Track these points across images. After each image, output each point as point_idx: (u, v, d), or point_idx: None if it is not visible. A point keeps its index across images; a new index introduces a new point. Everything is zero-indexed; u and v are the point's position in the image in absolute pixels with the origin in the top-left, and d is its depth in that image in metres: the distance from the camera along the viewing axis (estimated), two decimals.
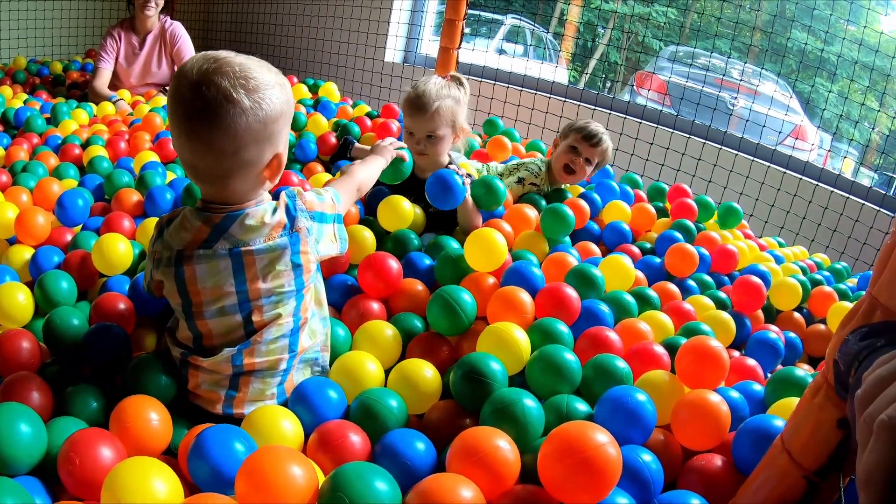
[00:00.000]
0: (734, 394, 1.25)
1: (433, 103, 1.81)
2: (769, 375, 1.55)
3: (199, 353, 1.20)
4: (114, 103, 3.36)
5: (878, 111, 3.09)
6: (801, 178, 3.03)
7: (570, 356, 1.25)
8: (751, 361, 1.44)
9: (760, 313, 1.85)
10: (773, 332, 1.64)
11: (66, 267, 1.67)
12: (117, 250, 1.63)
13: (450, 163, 1.94)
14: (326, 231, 1.26)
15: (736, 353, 1.62)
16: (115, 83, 3.73)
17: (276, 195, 1.23)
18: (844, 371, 0.74)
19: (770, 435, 1.00)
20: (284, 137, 1.14)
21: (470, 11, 3.16)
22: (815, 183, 3.01)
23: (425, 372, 1.25)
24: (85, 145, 2.56)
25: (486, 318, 1.47)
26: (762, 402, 1.31)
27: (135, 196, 2.02)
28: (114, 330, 1.31)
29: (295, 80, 3.78)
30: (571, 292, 1.45)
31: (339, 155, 2.59)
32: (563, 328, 1.37)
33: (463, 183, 1.73)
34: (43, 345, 1.36)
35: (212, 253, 1.14)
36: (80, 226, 1.94)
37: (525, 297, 1.42)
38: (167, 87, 3.58)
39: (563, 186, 2.24)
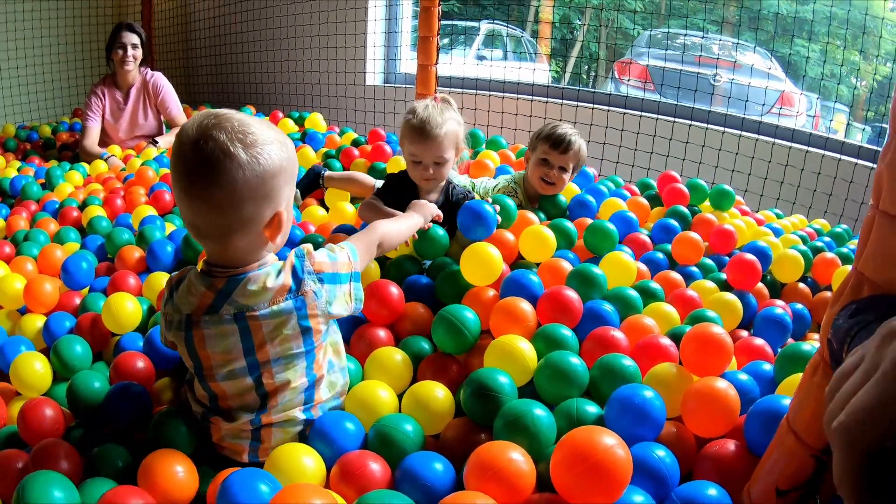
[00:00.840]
0: (743, 376, 1.26)
1: (441, 129, 1.80)
2: (779, 351, 1.57)
3: (217, 413, 1.21)
4: (105, 160, 3.39)
5: (859, 68, 3.10)
6: (790, 146, 3.04)
7: (575, 360, 1.27)
8: (758, 341, 1.45)
9: (765, 289, 1.86)
10: (779, 308, 1.65)
11: (78, 330, 1.70)
12: (126, 309, 1.67)
13: (449, 183, 1.96)
14: (340, 291, 1.22)
15: (744, 334, 1.63)
16: (105, 139, 3.78)
17: (284, 254, 1.22)
18: (837, 349, 0.74)
19: (779, 415, 1.01)
20: (286, 196, 1.12)
21: (444, 22, 3.18)
22: (806, 149, 3.02)
23: (437, 393, 1.27)
24: (82, 206, 2.59)
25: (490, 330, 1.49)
26: (772, 381, 1.32)
27: (136, 252, 2.04)
28: (133, 389, 1.33)
29: (280, 115, 3.81)
30: (572, 294, 1.47)
31: (310, 186, 2.57)
32: (566, 332, 1.39)
33: (494, 211, 1.73)
34: (65, 409, 1.38)
35: (218, 318, 1.14)
36: (87, 288, 1.96)
37: (525, 306, 1.44)
38: (156, 139, 3.65)
39: (555, 195, 2.21)
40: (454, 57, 4.22)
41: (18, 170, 3.27)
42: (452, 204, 1.93)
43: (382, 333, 1.51)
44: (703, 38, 3.92)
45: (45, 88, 5.20)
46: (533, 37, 7.28)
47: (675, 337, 1.39)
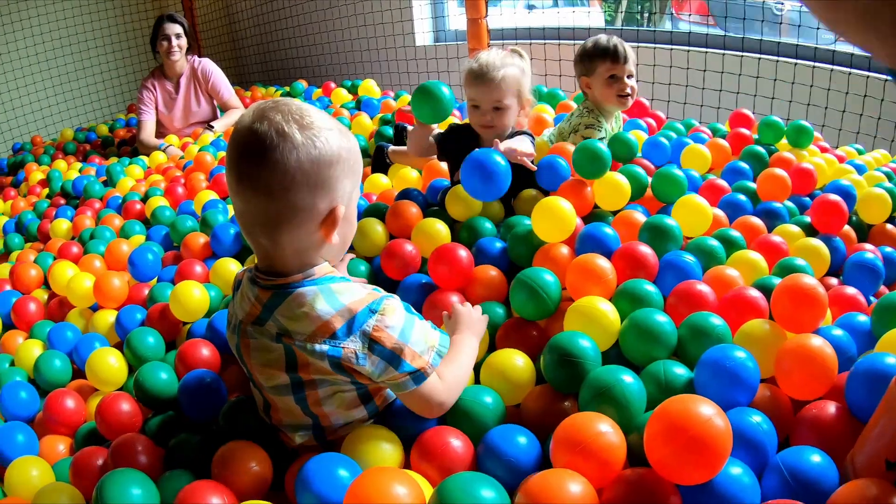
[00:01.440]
0: (837, 331, 1.16)
1: (499, 72, 1.74)
2: (873, 299, 1.45)
3: (270, 420, 1.16)
4: (163, 151, 3.44)
5: None
6: (868, 76, 2.81)
7: (662, 318, 1.19)
8: (850, 290, 1.35)
9: (852, 232, 1.73)
10: (869, 252, 1.53)
11: (149, 322, 1.72)
12: (193, 297, 1.68)
13: (515, 133, 1.86)
14: (389, 374, 1.03)
15: (834, 281, 1.52)
16: (162, 130, 3.83)
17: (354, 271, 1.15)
18: None
19: (884, 375, 0.92)
20: (346, 190, 1.02)
21: None
22: (886, 77, 2.79)
23: (517, 361, 1.22)
24: (145, 198, 2.62)
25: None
26: (869, 334, 1.22)
27: (201, 238, 2.05)
28: (205, 380, 1.32)
29: (333, 85, 3.78)
30: (646, 249, 1.38)
31: (379, 167, 2.51)
32: (649, 288, 1.31)
33: (509, 161, 1.62)
34: None
35: (264, 331, 1.04)
36: (155, 279, 1.98)
37: (603, 262, 1.36)
38: (212, 123, 3.67)
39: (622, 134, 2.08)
40: (503, 8, 4.06)
41: (80, 171, 3.34)
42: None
43: (455, 298, 1.44)
44: None
45: (97, 89, 5.28)
46: None
47: (764, 288, 1.30)
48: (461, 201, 1.71)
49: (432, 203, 1.90)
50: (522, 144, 1.69)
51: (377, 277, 1.66)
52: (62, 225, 2.55)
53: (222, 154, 3.02)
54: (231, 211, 2.25)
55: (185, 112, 3.84)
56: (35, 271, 2.12)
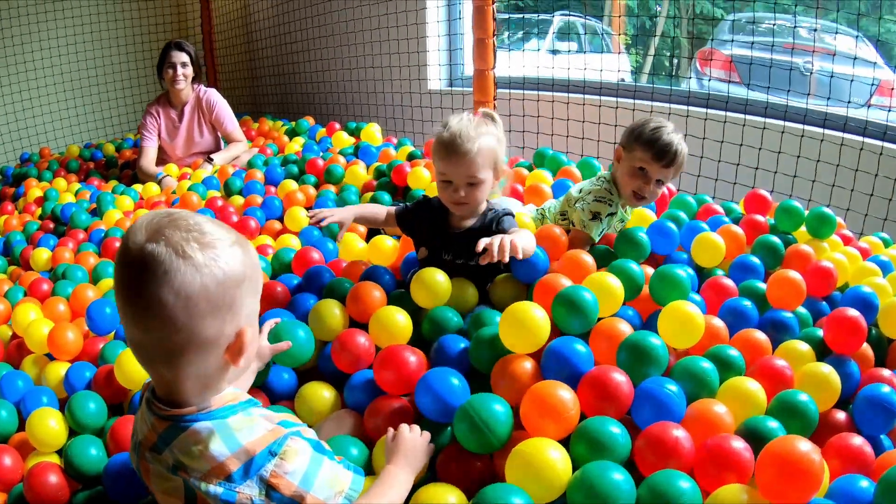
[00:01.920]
0: None
1: (473, 143, 1.55)
2: (884, 442, 1.27)
3: None
4: (159, 181, 3.38)
5: None
6: None
7: (618, 476, 1.02)
8: (856, 441, 1.17)
9: (869, 350, 1.53)
10: (886, 385, 1.34)
11: (96, 383, 1.64)
12: (136, 366, 1.54)
13: (489, 209, 1.69)
14: None
15: (841, 416, 1.33)
16: (164, 158, 3.80)
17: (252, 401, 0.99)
18: None
19: None
20: (250, 312, 0.94)
21: (516, 16, 2.90)
22: None
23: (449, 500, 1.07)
24: None
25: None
26: None
27: None
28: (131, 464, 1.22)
29: (337, 126, 3.71)
30: (618, 377, 1.21)
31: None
32: (614, 430, 1.13)
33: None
34: None
35: (161, 459, 0.94)
36: (112, 334, 1.88)
37: (564, 393, 1.18)
38: (212, 156, 3.59)
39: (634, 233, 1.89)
40: (527, 53, 3.92)
41: (76, 193, 3.32)
42: (490, 224, 1.66)
43: (397, 407, 1.30)
44: (793, 17, 3.47)
45: (110, 106, 5.33)
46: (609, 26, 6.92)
47: (755, 435, 1.14)
48: (426, 287, 1.55)
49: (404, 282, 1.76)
50: (523, 239, 1.51)
51: None
52: (42, 255, 2.54)
53: (212, 193, 2.95)
54: None
55: (187, 141, 3.79)
56: (3, 306, 2.08)
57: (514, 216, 1.69)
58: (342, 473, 0.99)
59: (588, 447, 1.12)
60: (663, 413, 1.18)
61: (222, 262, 0.87)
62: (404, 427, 1.21)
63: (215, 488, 0.90)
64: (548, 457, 1.07)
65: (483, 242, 1.42)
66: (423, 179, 2.60)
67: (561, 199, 2.03)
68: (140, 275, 0.85)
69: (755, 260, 1.75)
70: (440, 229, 1.70)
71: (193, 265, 0.85)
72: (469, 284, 1.63)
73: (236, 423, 0.93)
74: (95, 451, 1.34)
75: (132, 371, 1.54)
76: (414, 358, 1.35)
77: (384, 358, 1.35)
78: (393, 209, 1.81)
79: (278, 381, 1.53)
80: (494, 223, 1.65)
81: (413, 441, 1.17)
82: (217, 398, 0.94)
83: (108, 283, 2.19)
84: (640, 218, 2.03)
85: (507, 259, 1.41)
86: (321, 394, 1.44)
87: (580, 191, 1.92)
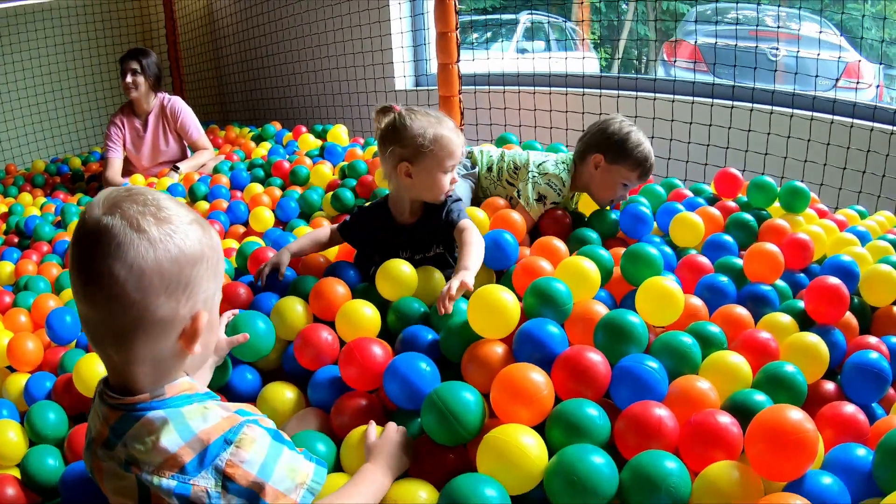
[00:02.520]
0: (827, 480, 0.94)
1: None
2: (877, 409, 1.23)
3: None
4: (158, 191, 3.27)
5: None
6: (872, 127, 2.60)
7: (599, 460, 0.97)
8: (848, 409, 1.13)
9: (853, 318, 1.50)
10: (873, 351, 1.30)
11: (55, 393, 1.62)
12: (96, 372, 1.51)
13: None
14: None
15: (830, 386, 1.30)
16: (130, 169, 3.73)
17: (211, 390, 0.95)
18: None
19: None
20: (210, 295, 0.89)
21: (483, 17, 2.88)
22: (891, 129, 2.58)
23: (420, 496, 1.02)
24: None
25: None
26: (869, 478, 0.99)
27: None
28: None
29: (304, 129, 3.68)
30: (594, 357, 1.16)
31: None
32: (591, 412, 1.08)
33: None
34: None
35: (113, 455, 0.89)
36: (73, 343, 1.84)
37: (536, 376, 1.13)
38: (178, 164, 3.51)
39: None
40: (494, 52, 3.90)
41: (41, 206, 3.26)
42: (438, 213, 1.68)
43: (364, 403, 1.25)
44: (756, 7, 3.49)
45: (76, 120, 5.25)
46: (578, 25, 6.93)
47: (742, 409, 1.09)
48: (391, 279, 1.51)
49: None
50: (474, 256, 1.50)
51: None
52: (6, 268, 2.51)
53: (178, 200, 2.86)
54: None
55: (153, 151, 3.72)
56: None
57: (461, 201, 1.71)
58: (303, 464, 0.93)
59: (564, 432, 1.07)
60: (644, 392, 1.13)
61: (178, 239, 0.83)
62: (390, 427, 1.17)
63: (168, 482, 0.85)
64: (521, 443, 1.02)
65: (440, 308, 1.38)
66: None
67: (514, 156, 2.05)
68: (93, 248, 0.82)
69: (728, 238, 1.73)
70: (390, 230, 1.71)
71: (148, 239, 0.81)
72: (434, 271, 1.60)
73: (190, 412, 0.88)
74: (53, 461, 1.32)
75: (91, 378, 1.49)
76: (380, 350, 1.30)
77: (349, 352, 1.30)
78: (335, 226, 1.81)
79: (241, 382, 1.48)
80: (444, 213, 1.66)
81: (394, 443, 1.14)
82: (171, 386, 0.90)
83: (69, 293, 2.11)
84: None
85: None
86: (283, 394, 1.39)
87: (539, 165, 1.97)
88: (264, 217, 2.46)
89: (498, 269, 1.58)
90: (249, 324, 1.41)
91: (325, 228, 1.82)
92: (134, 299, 0.81)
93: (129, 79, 3.52)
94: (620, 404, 1.15)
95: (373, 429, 1.18)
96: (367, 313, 1.45)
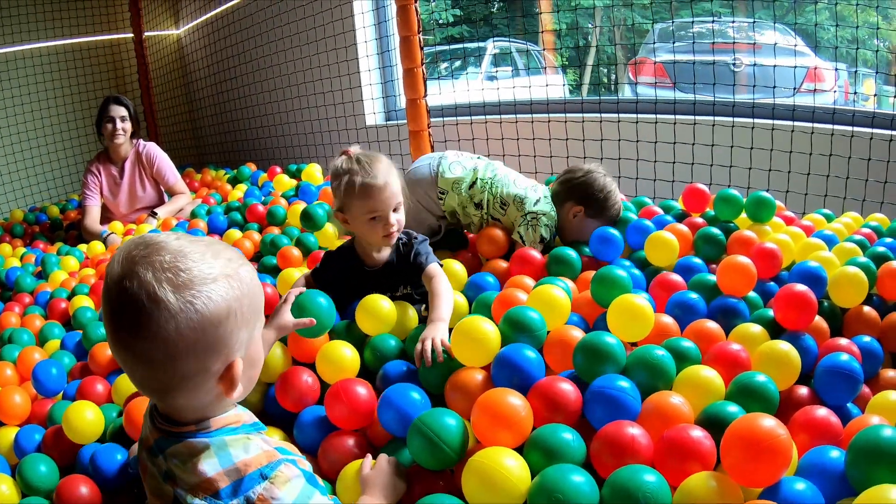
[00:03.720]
0: (800, 486, 0.97)
1: (389, 178, 1.62)
2: (850, 410, 1.27)
3: None
4: (104, 239, 3.32)
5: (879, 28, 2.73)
6: (832, 130, 2.66)
7: (579, 479, 1.00)
8: (821, 412, 1.15)
9: (823, 322, 1.54)
10: (844, 353, 1.34)
11: (45, 445, 1.63)
12: (85, 420, 1.56)
13: (399, 238, 1.74)
14: None
15: (804, 391, 1.33)
16: (108, 216, 3.73)
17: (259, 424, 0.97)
18: None
19: None
20: (242, 340, 0.89)
21: (451, 47, 2.93)
22: (851, 129, 2.64)
23: None
24: (71, 295, 2.53)
25: None
26: (843, 479, 1.02)
27: (108, 350, 1.88)
28: None
29: (278, 169, 3.71)
30: (565, 387, 1.20)
31: None
32: (566, 437, 1.11)
33: None
34: None
35: (156, 463, 0.93)
36: (60, 395, 1.85)
37: (515, 400, 1.16)
38: (155, 210, 3.52)
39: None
40: (467, 81, 3.97)
41: (21, 257, 3.25)
42: (406, 256, 1.72)
43: (352, 442, 1.27)
44: (714, 21, 3.58)
45: (52, 168, 5.24)
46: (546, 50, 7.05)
47: (715, 422, 1.12)
48: (371, 315, 1.55)
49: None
50: (440, 332, 1.48)
51: None
52: None
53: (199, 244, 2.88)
54: None
55: (130, 197, 3.71)
56: None
57: (426, 241, 1.75)
58: None
59: (542, 456, 1.09)
60: (617, 411, 1.16)
61: (200, 305, 0.82)
62: (382, 460, 1.19)
63: (201, 502, 0.87)
64: (504, 465, 1.04)
65: (418, 354, 1.41)
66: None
67: (495, 186, 2.09)
68: (115, 316, 0.83)
69: (698, 261, 1.78)
70: (358, 272, 1.73)
71: (168, 310, 0.80)
72: (408, 307, 1.65)
73: (233, 441, 0.90)
74: None
75: (81, 427, 1.53)
76: (364, 390, 1.34)
77: (335, 394, 1.32)
78: (307, 274, 1.83)
79: None
80: (412, 256, 1.71)
81: (389, 474, 1.16)
82: (217, 420, 0.92)
83: (54, 344, 2.17)
84: None
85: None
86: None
87: (536, 203, 2.04)
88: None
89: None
90: (313, 303, 1.46)
91: (300, 279, 1.83)
92: (164, 363, 0.83)
93: (118, 125, 3.52)
94: (596, 424, 1.17)
95: (368, 461, 1.20)
96: (347, 354, 1.48)
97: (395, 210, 1.64)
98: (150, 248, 0.83)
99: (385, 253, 1.73)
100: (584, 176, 2.08)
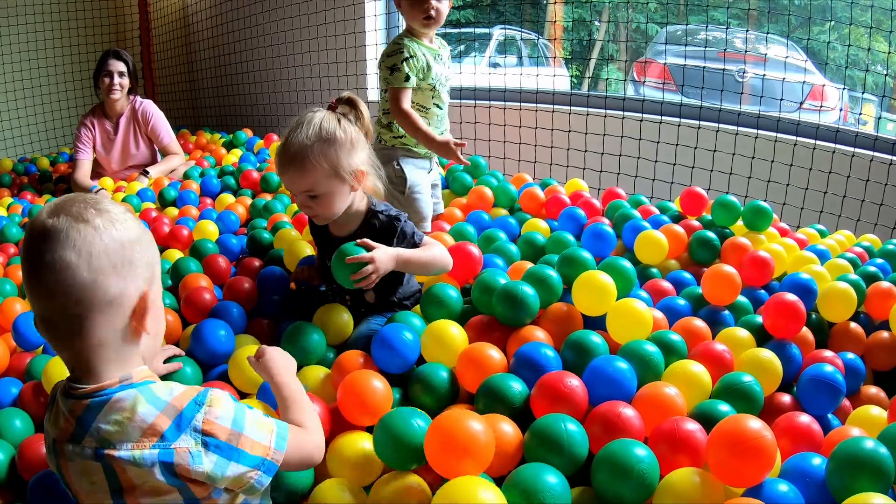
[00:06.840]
0: (783, 487, 0.98)
1: (301, 155, 1.46)
2: (832, 421, 1.28)
3: None
4: (94, 194, 3.24)
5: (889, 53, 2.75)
6: (834, 149, 2.68)
7: (552, 479, 1.01)
8: (803, 419, 1.17)
9: (809, 334, 1.56)
10: (828, 364, 1.36)
11: (22, 400, 1.56)
12: (64, 375, 1.43)
13: (375, 213, 1.61)
14: (233, 471, 0.94)
15: (786, 398, 1.35)
16: (99, 171, 3.67)
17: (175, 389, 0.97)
18: None
19: None
20: (150, 276, 0.96)
21: (457, 31, 2.92)
22: (853, 150, 2.66)
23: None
24: None
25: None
26: (823, 486, 1.03)
27: None
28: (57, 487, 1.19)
29: (275, 137, 3.67)
30: (573, 382, 1.21)
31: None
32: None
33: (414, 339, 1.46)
34: None
35: (80, 451, 0.92)
36: (41, 348, 1.79)
37: (475, 424, 1.11)
38: (147, 169, 3.48)
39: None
40: (466, 66, 3.95)
41: (8, 207, 3.19)
42: (381, 233, 1.58)
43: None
44: (725, 31, 3.57)
45: (45, 119, 5.15)
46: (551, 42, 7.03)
47: (705, 419, 1.13)
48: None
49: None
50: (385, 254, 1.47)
51: None
52: None
53: (146, 205, 2.86)
54: None
55: (122, 154, 3.66)
56: None
57: (403, 220, 1.61)
58: (265, 418, 1.01)
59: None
60: (616, 389, 1.20)
61: (119, 225, 0.92)
62: (266, 348, 1.25)
63: (150, 452, 0.89)
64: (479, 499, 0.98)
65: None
66: None
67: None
68: (42, 243, 0.89)
69: (687, 275, 1.80)
70: (324, 238, 1.69)
71: (92, 227, 0.90)
72: (343, 311, 1.65)
73: (156, 388, 0.95)
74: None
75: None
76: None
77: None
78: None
79: None
80: (395, 239, 1.58)
81: (280, 352, 1.25)
82: (137, 371, 0.96)
83: None
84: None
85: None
86: None
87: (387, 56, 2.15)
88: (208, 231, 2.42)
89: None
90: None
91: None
92: (86, 280, 0.88)
93: (115, 80, 3.47)
94: (594, 401, 1.19)
95: (252, 357, 1.25)
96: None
97: (311, 196, 1.50)
98: (71, 196, 0.94)
99: (348, 227, 1.63)
100: None
